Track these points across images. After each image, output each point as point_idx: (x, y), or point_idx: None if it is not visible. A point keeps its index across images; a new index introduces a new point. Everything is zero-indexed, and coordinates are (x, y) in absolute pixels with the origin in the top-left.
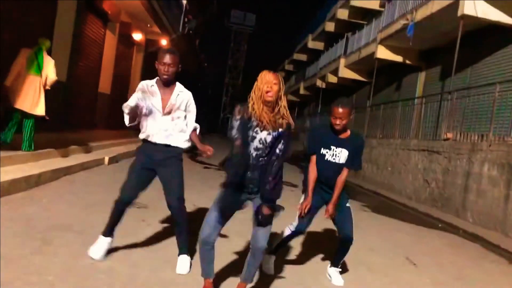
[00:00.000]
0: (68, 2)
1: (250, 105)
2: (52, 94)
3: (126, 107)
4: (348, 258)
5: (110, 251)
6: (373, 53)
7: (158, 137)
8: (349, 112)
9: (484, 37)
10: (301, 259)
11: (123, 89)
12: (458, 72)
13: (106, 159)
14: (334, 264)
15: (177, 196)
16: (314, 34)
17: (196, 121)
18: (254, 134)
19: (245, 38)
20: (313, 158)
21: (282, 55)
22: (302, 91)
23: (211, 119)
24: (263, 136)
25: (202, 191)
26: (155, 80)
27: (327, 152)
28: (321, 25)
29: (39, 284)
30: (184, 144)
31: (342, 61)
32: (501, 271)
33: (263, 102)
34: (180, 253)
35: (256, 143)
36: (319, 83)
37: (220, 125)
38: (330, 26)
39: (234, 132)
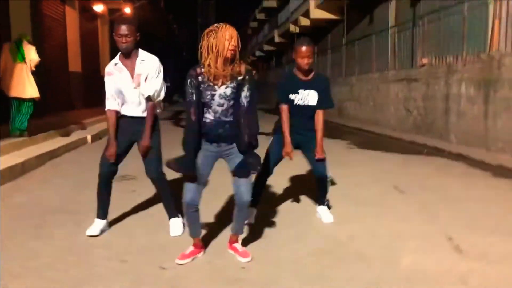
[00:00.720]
0: None
1: (205, 62)
2: None
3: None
4: (336, 195)
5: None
6: None
7: (133, 111)
8: (313, 49)
9: None
10: (290, 203)
11: (94, 65)
12: None
13: (89, 138)
14: (320, 202)
15: (155, 168)
16: None
17: (175, 85)
18: (212, 92)
19: None
20: (285, 107)
21: (252, 5)
22: (277, 39)
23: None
24: (222, 91)
25: None
26: (117, 56)
27: (295, 97)
28: None
29: (38, 268)
30: (156, 112)
31: (312, 2)
32: (486, 185)
33: (224, 58)
34: (170, 216)
35: (217, 100)
36: (292, 28)
37: None
38: None
39: (188, 100)
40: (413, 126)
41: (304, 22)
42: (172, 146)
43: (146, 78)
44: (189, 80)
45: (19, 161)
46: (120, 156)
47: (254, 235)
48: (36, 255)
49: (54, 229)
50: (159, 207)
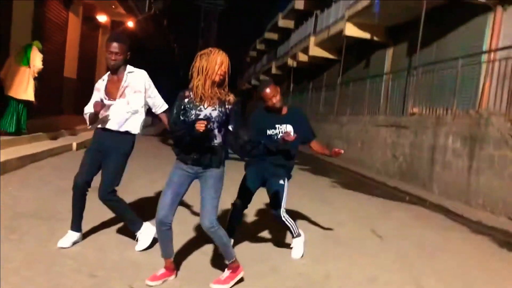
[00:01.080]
0: None
1: (194, 82)
2: None
3: (86, 113)
4: (316, 232)
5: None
6: (342, 31)
7: (111, 123)
8: (276, 87)
9: (448, 12)
10: (264, 234)
11: (89, 73)
12: (424, 47)
13: (74, 145)
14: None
15: (104, 188)
16: (284, 13)
17: (171, 103)
18: (197, 112)
19: (215, 16)
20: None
21: (253, 34)
22: (274, 71)
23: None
24: (208, 111)
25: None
26: (107, 74)
27: (273, 132)
28: (290, 3)
29: (4, 273)
30: (136, 129)
31: (312, 40)
32: (463, 239)
33: (212, 81)
34: (136, 230)
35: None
36: (290, 62)
37: None
38: (299, 4)
39: (171, 120)
40: (398, 172)
41: (302, 57)
42: (159, 162)
43: (134, 91)
44: (177, 101)
45: None
46: (92, 168)
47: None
48: (4, 259)
49: (25, 234)
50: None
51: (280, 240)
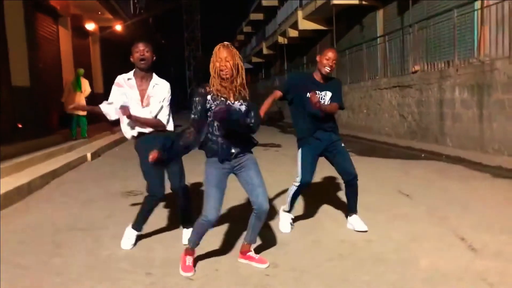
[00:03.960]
0: (14, 4)
1: (210, 82)
2: (20, 102)
3: (104, 106)
4: (344, 201)
5: None
6: (329, 0)
7: (146, 129)
8: (337, 58)
9: None
10: (300, 210)
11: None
12: (415, 3)
13: (89, 156)
14: (352, 211)
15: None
16: None
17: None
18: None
19: (197, 7)
20: (277, 93)
21: (237, 17)
22: (265, 51)
23: (179, 97)
24: (237, 106)
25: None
26: (132, 72)
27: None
28: None
29: (64, 284)
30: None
31: (300, 13)
32: (488, 185)
33: (220, 77)
34: (187, 226)
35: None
36: (280, 39)
37: (188, 100)
38: None
39: (192, 117)
40: (408, 131)
41: (293, 33)
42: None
43: (159, 101)
44: (197, 98)
45: (25, 182)
46: (162, 176)
47: (270, 243)
48: (61, 272)
49: (73, 247)
50: (171, 221)
51: (315, 214)
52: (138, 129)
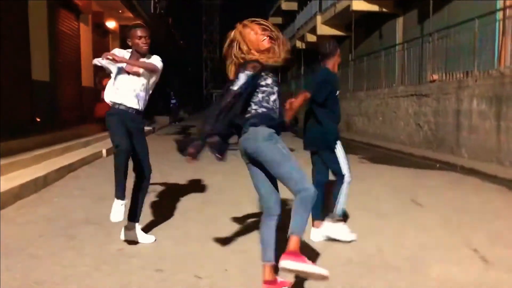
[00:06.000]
0: (38, 1)
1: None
2: (39, 95)
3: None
4: (358, 208)
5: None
6: (349, 6)
7: (128, 100)
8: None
9: None
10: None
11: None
12: (436, 12)
13: (104, 152)
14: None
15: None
16: None
17: (181, 101)
18: (270, 89)
19: (216, 9)
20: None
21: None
22: None
23: (195, 97)
24: (276, 89)
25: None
26: (129, 54)
27: (338, 94)
28: None
29: (76, 276)
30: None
31: (319, 18)
32: (503, 198)
33: (260, 52)
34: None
35: (276, 96)
36: (298, 44)
37: (204, 101)
38: None
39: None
40: (423, 141)
41: (311, 38)
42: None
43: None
44: (253, 74)
45: (41, 174)
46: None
47: (282, 244)
48: (73, 264)
49: (85, 240)
50: (181, 219)
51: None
52: (120, 95)
